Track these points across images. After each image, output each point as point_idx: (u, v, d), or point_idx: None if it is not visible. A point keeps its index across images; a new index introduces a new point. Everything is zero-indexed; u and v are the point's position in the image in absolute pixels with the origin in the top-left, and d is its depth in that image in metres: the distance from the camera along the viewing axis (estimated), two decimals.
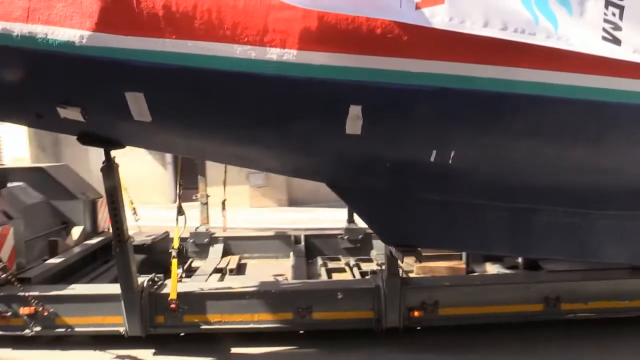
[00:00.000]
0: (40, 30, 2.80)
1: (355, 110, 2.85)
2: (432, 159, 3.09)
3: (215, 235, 6.92)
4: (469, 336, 4.48)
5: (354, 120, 2.89)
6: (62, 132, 3.77)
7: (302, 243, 6.72)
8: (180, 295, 4.23)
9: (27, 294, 4.20)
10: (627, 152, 3.15)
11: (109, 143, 3.58)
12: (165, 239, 6.18)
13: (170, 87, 2.92)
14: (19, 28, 2.80)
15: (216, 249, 6.74)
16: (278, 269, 6.16)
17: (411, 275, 5.60)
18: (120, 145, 3.65)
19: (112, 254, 5.66)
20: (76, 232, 6.12)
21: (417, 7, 2.59)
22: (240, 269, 6.32)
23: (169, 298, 4.19)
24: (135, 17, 2.73)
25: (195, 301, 4.28)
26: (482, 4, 2.62)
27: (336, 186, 3.72)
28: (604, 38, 2.74)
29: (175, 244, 4.31)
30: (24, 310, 4.19)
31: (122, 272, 4.04)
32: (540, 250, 3.96)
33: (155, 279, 4.46)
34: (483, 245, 3.98)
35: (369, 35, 2.67)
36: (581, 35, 2.70)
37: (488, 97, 2.78)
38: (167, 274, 5.48)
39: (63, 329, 4.28)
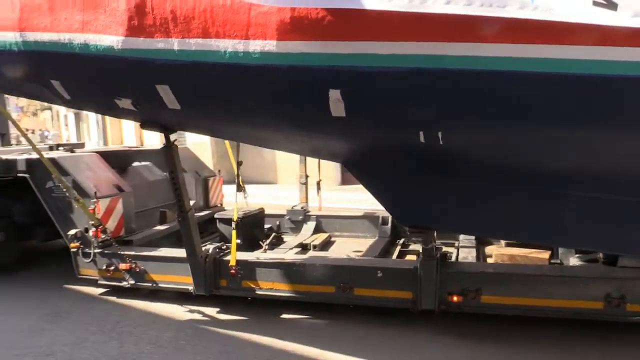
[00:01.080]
0: (91, 38, 3.50)
1: (334, 94, 3.00)
2: (422, 140, 3.08)
3: (310, 213, 7.39)
4: (525, 329, 4.27)
5: (336, 104, 3.04)
6: (130, 119, 4.54)
7: (389, 224, 6.84)
8: (239, 262, 4.80)
9: (124, 252, 5.17)
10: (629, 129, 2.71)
11: (164, 128, 4.25)
12: (258, 214, 6.84)
13: (187, 79, 3.40)
14: (78, 38, 3.55)
15: (309, 226, 7.22)
16: (362, 247, 6.39)
17: (490, 260, 5.41)
18: (172, 130, 4.31)
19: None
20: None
21: None
22: (325, 246, 6.70)
23: (229, 264, 4.79)
24: (153, 23, 3.25)
25: (251, 268, 4.81)
26: None
27: (351, 167, 3.87)
28: (595, 2, 2.43)
29: (235, 216, 4.89)
30: (122, 266, 5.17)
31: (186, 238, 4.73)
32: (566, 240, 3.59)
33: (224, 247, 5.09)
34: (499, 230, 3.75)
35: (337, 22, 2.79)
36: (566, 1, 2.46)
37: (461, 75, 2.69)
38: (254, 245, 6.22)
39: (150, 284, 5.18)
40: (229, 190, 6.91)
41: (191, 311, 4.97)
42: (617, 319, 4.01)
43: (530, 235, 3.80)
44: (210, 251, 4.90)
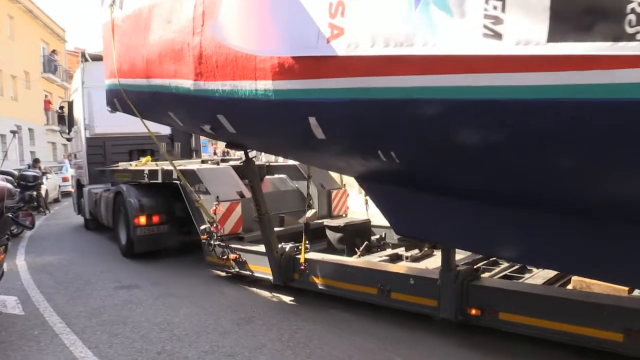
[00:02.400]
0: (173, 82, 4.88)
1: (312, 121, 3.73)
2: (383, 159, 3.57)
3: None
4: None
5: (316, 128, 3.76)
6: (219, 140, 5.91)
7: None
8: (307, 260, 5.70)
9: (233, 246, 6.53)
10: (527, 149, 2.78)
11: (241, 147, 5.46)
12: (362, 224, 7.54)
13: (233, 111, 4.52)
14: (174, 82, 4.96)
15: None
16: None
17: (569, 287, 5.22)
18: (246, 148, 5.50)
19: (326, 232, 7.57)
20: (309, 213, 8.24)
21: (328, 42, 3.35)
22: (421, 258, 7.00)
23: (300, 261, 5.72)
24: (207, 70, 4.44)
25: (315, 266, 5.67)
26: (369, 29, 3.13)
27: (360, 180, 4.43)
28: (485, 35, 2.64)
29: (305, 218, 5.85)
30: (231, 256, 6.53)
31: (264, 236, 5.84)
32: (536, 259, 3.48)
33: (300, 246, 6.05)
34: (478, 246, 3.82)
35: (303, 66, 3.57)
36: (460, 36, 2.75)
37: (388, 104, 3.17)
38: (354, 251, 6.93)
39: (248, 272, 6.43)
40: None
41: (271, 295, 6.03)
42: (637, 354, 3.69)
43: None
44: (287, 249, 5.90)
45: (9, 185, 5.92)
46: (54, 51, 34.34)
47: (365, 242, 7.13)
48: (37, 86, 32.84)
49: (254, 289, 6.42)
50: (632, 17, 2.07)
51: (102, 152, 11.48)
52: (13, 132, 16.38)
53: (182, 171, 6.98)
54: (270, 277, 6.05)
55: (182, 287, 6.73)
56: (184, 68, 4.72)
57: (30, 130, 31.33)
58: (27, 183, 12.02)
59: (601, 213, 3.04)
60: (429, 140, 3.20)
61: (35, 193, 13.76)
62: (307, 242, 5.78)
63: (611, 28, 2.14)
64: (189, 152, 12.17)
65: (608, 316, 3.79)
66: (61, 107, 13.66)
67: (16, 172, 12.48)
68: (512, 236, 3.59)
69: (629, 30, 2.09)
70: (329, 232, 7.46)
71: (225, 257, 6.62)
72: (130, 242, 8.66)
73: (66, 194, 22.25)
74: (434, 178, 3.62)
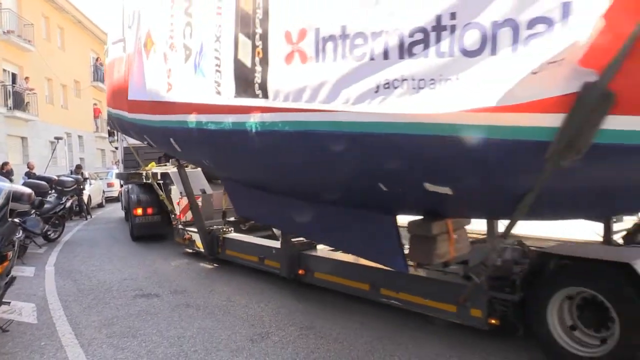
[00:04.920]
0: (120, 112, 6.84)
1: (172, 140, 5.75)
2: (205, 164, 6.36)
3: None
4: None
5: (175, 144, 5.91)
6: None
7: None
8: (225, 238, 7.92)
9: (187, 229, 8.89)
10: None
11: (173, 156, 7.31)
12: None
13: (171, 136, 5.91)
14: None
15: None
16: None
17: None
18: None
19: None
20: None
21: (167, 92, 5.06)
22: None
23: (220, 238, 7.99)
24: (128, 105, 6.49)
25: (230, 243, 7.80)
26: (180, 85, 4.82)
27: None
28: (216, 91, 4.24)
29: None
30: (186, 237, 8.85)
31: (196, 222, 8.22)
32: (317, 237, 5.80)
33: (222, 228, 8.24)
34: (283, 227, 6.22)
35: (159, 107, 5.31)
36: (207, 92, 4.35)
37: (187, 131, 4.95)
38: None
39: (197, 249, 8.63)
40: None
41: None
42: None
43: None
44: (213, 229, 8.13)
45: (21, 188, 5.75)
46: (97, 59, 35.33)
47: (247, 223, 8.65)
48: (87, 94, 33.81)
49: (278, 301, 6.00)
50: (256, 86, 3.82)
51: (135, 158, 11.99)
52: (57, 138, 16.84)
53: (162, 174, 9.70)
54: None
55: (202, 296, 6.39)
56: (123, 104, 6.55)
57: (80, 137, 32.28)
58: (63, 188, 12.16)
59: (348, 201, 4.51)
60: (209, 154, 5.62)
61: (75, 198, 13.97)
62: (226, 225, 8.30)
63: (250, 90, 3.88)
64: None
65: (361, 270, 5.40)
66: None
67: (56, 178, 12.68)
68: (301, 220, 5.06)
69: (258, 91, 3.82)
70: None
71: (184, 237, 8.87)
72: (132, 228, 11.31)
73: (111, 200, 22.72)
74: (236, 176, 5.99)
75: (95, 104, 35.46)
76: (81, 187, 15.38)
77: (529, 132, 2.59)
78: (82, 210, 16.02)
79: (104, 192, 22.33)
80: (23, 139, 23.48)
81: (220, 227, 8.13)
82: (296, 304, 5.87)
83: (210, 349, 4.59)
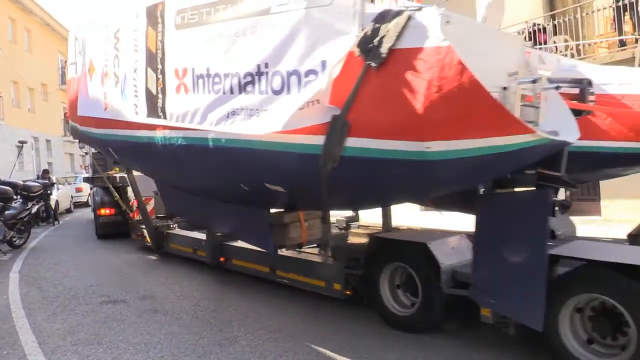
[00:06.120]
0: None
1: (110, 150, 6.79)
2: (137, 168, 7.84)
3: None
4: None
5: (113, 153, 6.94)
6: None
7: None
8: (169, 233, 9.29)
9: (140, 226, 10.09)
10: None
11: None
12: None
13: (111, 146, 6.83)
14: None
15: None
16: None
17: None
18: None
19: None
20: None
21: (104, 110, 6.00)
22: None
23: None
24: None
25: (173, 237, 9.13)
26: (111, 105, 5.75)
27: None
28: (135, 112, 5.26)
29: None
30: (138, 233, 10.19)
31: (144, 219, 9.73)
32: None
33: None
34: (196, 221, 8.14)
35: (99, 122, 6.26)
36: (128, 111, 5.36)
37: (119, 143, 6.12)
38: None
39: (148, 244, 9.69)
40: None
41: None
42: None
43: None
44: (159, 225, 9.43)
45: None
46: (65, 62, 34.62)
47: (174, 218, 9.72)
48: (55, 98, 33.02)
49: (247, 306, 5.99)
50: (159, 109, 4.94)
51: (104, 163, 12.08)
52: (21, 142, 16.41)
53: (121, 177, 11.01)
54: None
55: (171, 302, 6.34)
56: (76, 118, 7.25)
57: (48, 141, 31.54)
58: (29, 193, 11.88)
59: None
60: (136, 161, 6.94)
61: (42, 203, 13.64)
62: (171, 222, 9.52)
63: (156, 112, 5.01)
64: None
65: (263, 256, 6.40)
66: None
67: (21, 183, 12.37)
68: (207, 214, 6.43)
69: (160, 113, 4.97)
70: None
71: (138, 234, 10.21)
72: (96, 227, 12.64)
73: (79, 205, 22.26)
74: (157, 178, 7.22)
75: (64, 108, 34.68)
76: (48, 192, 15.05)
77: (309, 147, 3.70)
78: (49, 215, 15.66)
79: (72, 197, 21.89)
80: None
81: (165, 223, 9.44)
82: (265, 308, 5.87)
83: (177, 355, 4.56)
